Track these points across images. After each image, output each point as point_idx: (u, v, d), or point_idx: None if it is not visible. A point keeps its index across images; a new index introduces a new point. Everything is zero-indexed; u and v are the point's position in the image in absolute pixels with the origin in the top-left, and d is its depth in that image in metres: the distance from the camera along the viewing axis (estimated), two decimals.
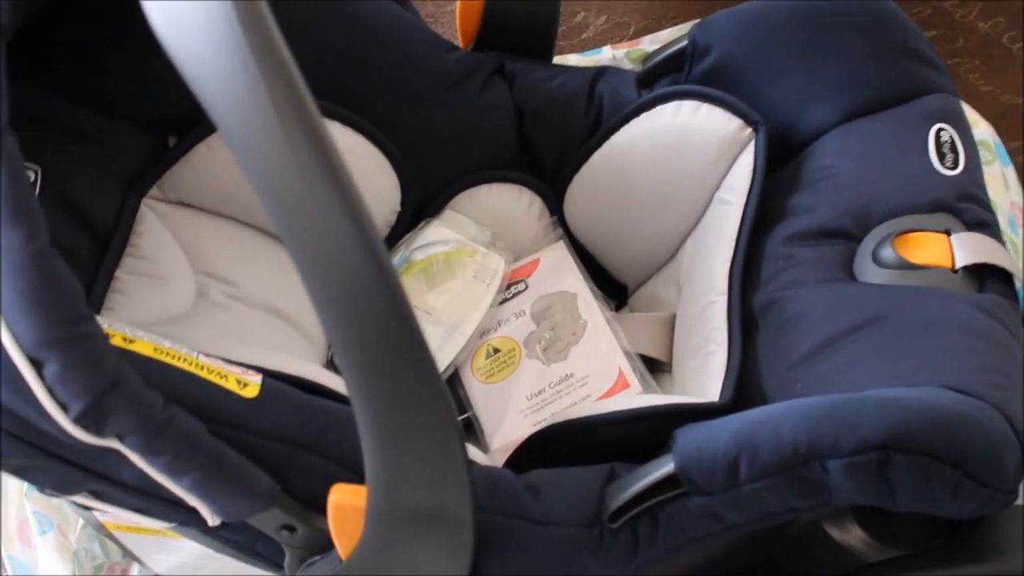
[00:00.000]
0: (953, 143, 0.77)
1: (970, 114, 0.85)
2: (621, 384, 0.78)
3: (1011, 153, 0.92)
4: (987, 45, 1.04)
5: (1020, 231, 0.83)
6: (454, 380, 0.84)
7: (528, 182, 0.91)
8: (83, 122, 0.79)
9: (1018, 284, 0.74)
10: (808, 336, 0.70)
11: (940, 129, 0.77)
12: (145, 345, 0.63)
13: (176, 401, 0.59)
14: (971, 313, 0.68)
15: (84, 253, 0.77)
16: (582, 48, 0.94)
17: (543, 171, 0.91)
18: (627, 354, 0.80)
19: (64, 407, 0.55)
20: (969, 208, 0.75)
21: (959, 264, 0.71)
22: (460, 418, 0.81)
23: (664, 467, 0.60)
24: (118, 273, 0.77)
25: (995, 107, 1.02)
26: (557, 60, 0.92)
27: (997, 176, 0.83)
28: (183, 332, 0.75)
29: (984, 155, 0.82)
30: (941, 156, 0.76)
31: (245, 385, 0.63)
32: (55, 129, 0.78)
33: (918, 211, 0.74)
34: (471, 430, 0.81)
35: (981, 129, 0.85)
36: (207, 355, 0.66)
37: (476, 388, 0.82)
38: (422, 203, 0.90)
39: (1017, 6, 1.04)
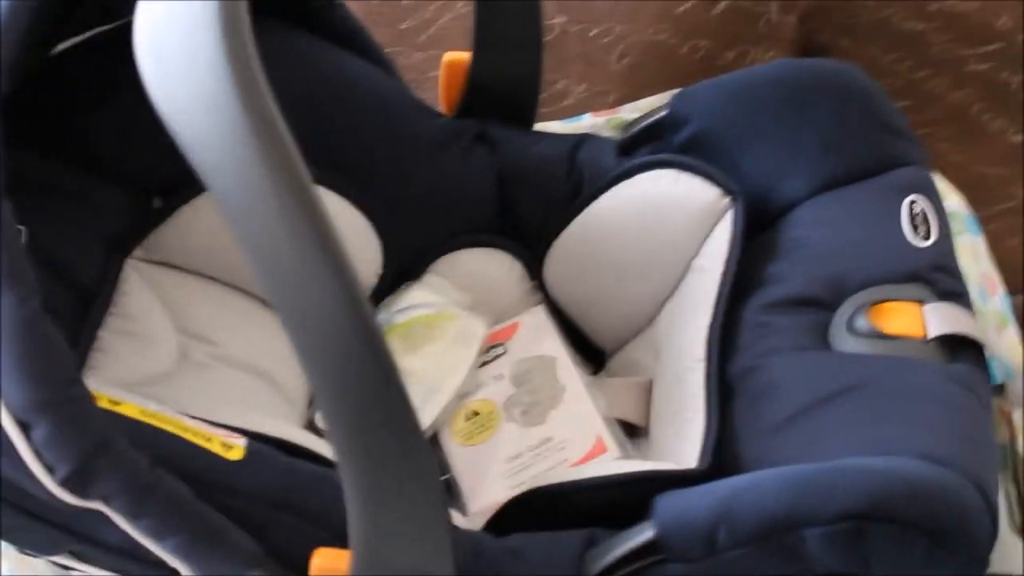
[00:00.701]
0: (925, 215, 0.79)
1: (942, 185, 0.87)
2: (599, 449, 0.79)
3: (983, 221, 0.94)
4: (957, 116, 1.07)
5: (990, 302, 0.85)
6: (433, 442, 0.84)
7: (509, 247, 0.92)
8: (69, 182, 0.80)
9: (988, 354, 0.75)
10: (785, 404, 0.71)
11: (912, 201, 0.79)
12: (131, 408, 0.64)
13: (162, 463, 0.60)
14: (944, 383, 0.69)
15: (68, 312, 0.76)
16: (563, 115, 0.95)
17: (524, 236, 0.92)
18: (605, 419, 0.81)
19: (51, 469, 0.56)
20: (941, 279, 0.77)
21: (931, 334, 0.73)
22: (440, 480, 0.83)
23: (644, 534, 0.61)
24: (101, 332, 0.77)
25: (965, 176, 1.04)
26: (539, 127, 0.94)
27: (967, 246, 0.85)
28: (165, 392, 0.74)
29: (955, 226, 0.84)
30: (914, 227, 0.78)
31: (229, 448, 0.64)
32: (41, 189, 0.78)
33: (892, 281, 0.76)
34: (449, 492, 0.82)
35: (952, 200, 0.87)
36: (191, 416, 0.67)
37: (455, 451, 0.83)
38: (403, 266, 0.91)
39: (985, 79, 1.07)
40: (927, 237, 0.78)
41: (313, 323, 0.47)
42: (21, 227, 0.75)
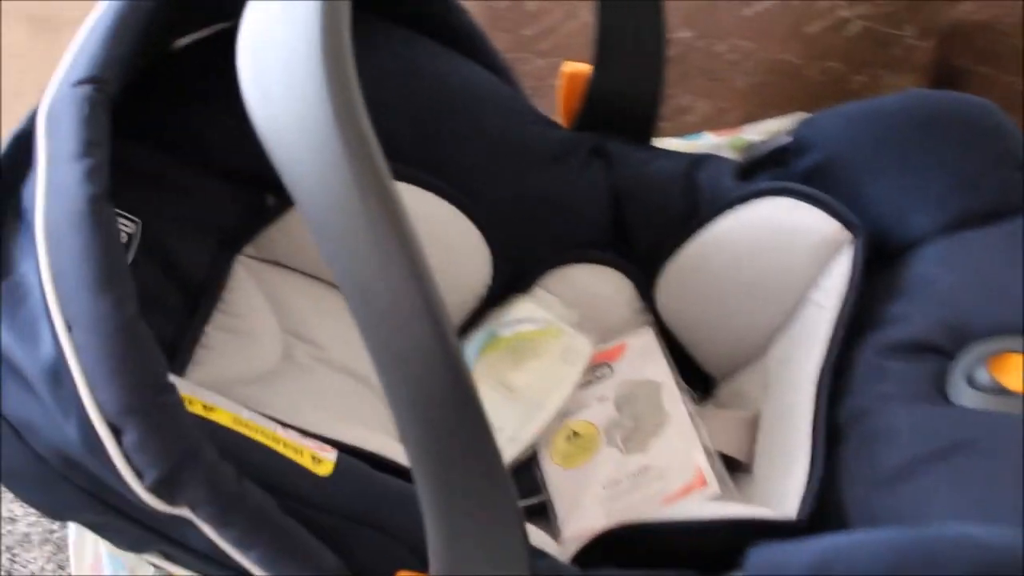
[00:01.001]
0: None
1: None
2: (699, 482, 0.77)
3: None
4: None
5: None
6: (532, 461, 0.83)
7: (620, 265, 0.91)
8: (182, 178, 0.81)
9: None
10: (893, 456, 0.69)
11: None
12: (225, 415, 0.64)
13: (250, 473, 0.61)
14: None
15: (176, 306, 0.78)
16: (684, 132, 0.93)
17: (636, 255, 0.90)
18: (707, 452, 0.79)
19: (139, 474, 0.57)
20: None
21: None
22: (536, 500, 0.82)
23: None
24: (207, 328, 0.79)
25: None
26: (657, 143, 0.92)
27: None
28: (265, 393, 0.76)
29: None
30: None
31: (319, 462, 0.64)
32: (156, 184, 0.80)
33: (1018, 333, 0.72)
34: (545, 513, 0.81)
35: None
36: (285, 425, 0.67)
37: (553, 472, 0.82)
38: (513, 278, 0.90)
39: None
40: None
41: (398, 352, 0.47)
42: (136, 219, 0.77)
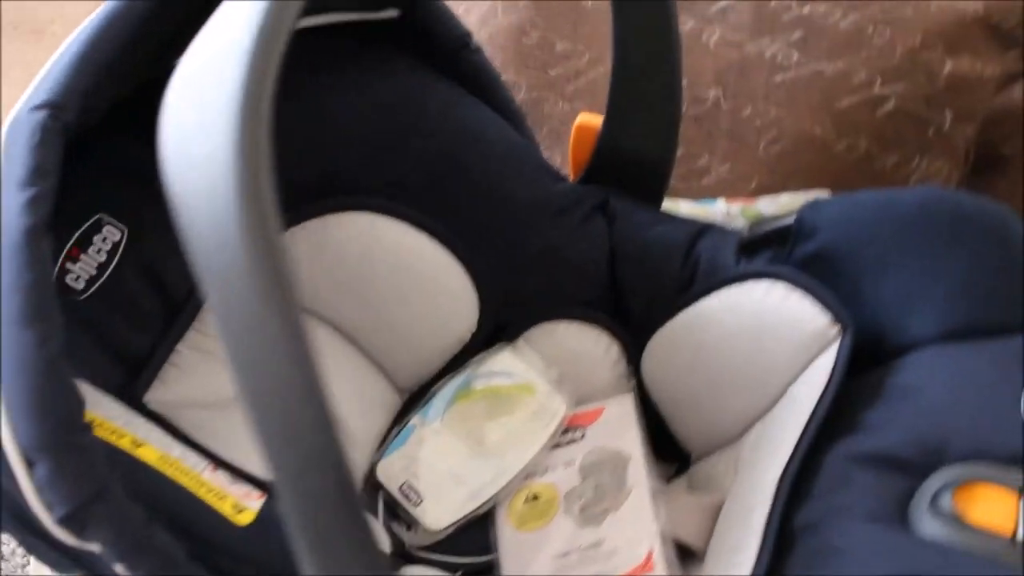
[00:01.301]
0: None
1: None
2: (647, 567, 0.75)
3: None
4: None
5: None
6: (488, 517, 0.83)
7: (610, 326, 0.89)
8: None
9: None
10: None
11: None
12: (152, 452, 0.66)
13: (167, 513, 0.62)
14: None
15: (154, 318, 0.80)
16: (700, 194, 0.91)
17: (627, 318, 0.89)
18: (662, 537, 0.77)
19: (50, 507, 0.58)
20: None
21: (1022, 536, 0.65)
22: (486, 559, 0.81)
23: None
24: (179, 347, 0.79)
25: None
26: (669, 203, 0.90)
27: None
28: (218, 420, 0.76)
29: None
30: None
31: (241, 511, 0.65)
32: (146, 187, 0.80)
33: (994, 461, 0.68)
34: (492, 573, 0.80)
35: None
36: (220, 463, 0.67)
37: (507, 533, 0.81)
38: (499, 327, 0.90)
39: None
40: None
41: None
42: (122, 227, 0.77)
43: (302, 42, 0.62)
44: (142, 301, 0.79)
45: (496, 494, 0.82)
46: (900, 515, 0.69)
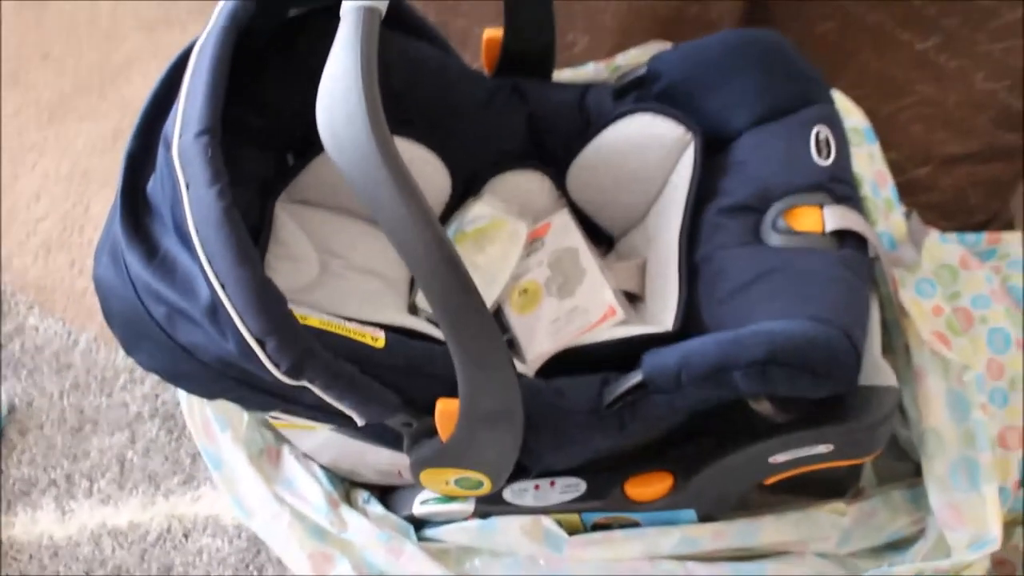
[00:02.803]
0: (828, 140, 1.09)
1: (847, 105, 1.19)
2: (610, 313, 1.12)
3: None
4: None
5: (881, 193, 1.16)
6: (499, 312, 1.18)
7: (540, 168, 1.25)
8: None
9: (872, 240, 1.04)
10: (729, 283, 1.04)
11: (818, 131, 1.09)
12: (314, 320, 0.94)
13: (337, 353, 0.89)
14: (831, 265, 1.00)
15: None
16: (573, 61, 1.26)
17: (550, 160, 1.24)
18: (615, 291, 1.14)
19: (277, 365, 0.86)
20: (838, 187, 1.07)
21: (828, 229, 1.03)
22: (504, 337, 1.14)
23: (636, 377, 0.95)
24: (267, 257, 1.06)
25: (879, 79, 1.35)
26: (555, 73, 1.25)
27: (864, 155, 1.14)
28: (314, 297, 1.05)
29: (855, 139, 1.14)
30: (819, 150, 1.08)
31: (376, 339, 0.95)
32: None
33: (801, 191, 1.07)
34: (512, 347, 1.16)
35: (855, 118, 1.17)
36: (346, 318, 0.97)
37: (513, 317, 1.17)
38: (466, 187, 1.23)
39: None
40: (828, 157, 1.08)
41: (414, 253, 0.76)
42: None
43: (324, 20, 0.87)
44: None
45: (499, 296, 1.18)
46: (755, 238, 1.07)
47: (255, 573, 1.23)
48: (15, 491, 1.35)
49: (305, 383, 0.89)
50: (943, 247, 1.24)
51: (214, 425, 1.21)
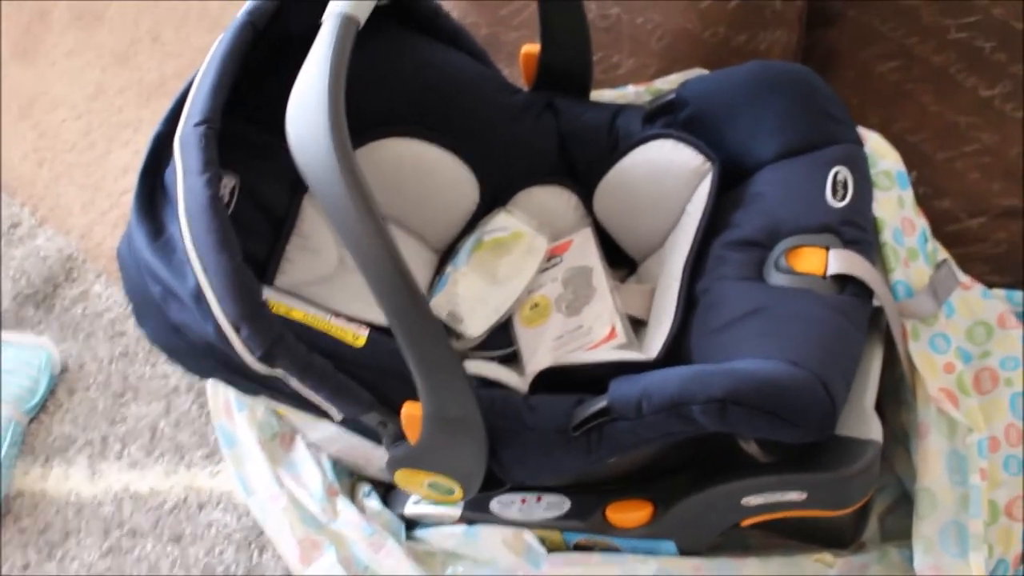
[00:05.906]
0: (846, 182, 1.06)
1: (883, 147, 1.14)
2: (612, 335, 1.12)
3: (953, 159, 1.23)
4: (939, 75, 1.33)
5: (906, 240, 1.10)
6: (508, 323, 1.20)
7: (568, 184, 1.25)
8: (264, 141, 1.07)
9: (877, 288, 1.00)
10: (720, 317, 1.02)
11: (837, 172, 1.06)
12: (298, 313, 0.99)
13: (315, 348, 0.94)
14: (823, 309, 0.97)
15: (266, 233, 1.10)
16: (616, 83, 1.26)
17: (578, 177, 1.25)
18: (620, 314, 1.14)
19: (251, 351, 0.90)
20: (848, 231, 1.03)
21: (829, 272, 0.99)
22: (510, 350, 1.18)
23: (601, 402, 0.95)
24: (288, 247, 1.11)
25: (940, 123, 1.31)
26: (595, 93, 1.25)
27: (893, 199, 1.10)
28: (327, 290, 1.10)
29: (885, 182, 1.10)
30: (834, 191, 1.05)
31: (357, 338, 0.99)
32: (248, 147, 1.08)
33: (810, 231, 1.04)
34: (515, 359, 1.18)
35: (889, 161, 1.14)
36: (336, 314, 1.02)
37: (520, 330, 1.19)
38: (494, 197, 1.25)
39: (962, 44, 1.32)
40: (843, 199, 1.05)
41: (366, 261, 0.81)
42: (236, 174, 1.07)
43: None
44: (256, 222, 1.09)
45: (510, 307, 1.19)
46: (757, 274, 1.05)
47: (256, 551, 1.27)
48: (54, 447, 1.42)
49: (279, 372, 0.93)
50: (983, 302, 1.20)
51: (233, 404, 1.27)
